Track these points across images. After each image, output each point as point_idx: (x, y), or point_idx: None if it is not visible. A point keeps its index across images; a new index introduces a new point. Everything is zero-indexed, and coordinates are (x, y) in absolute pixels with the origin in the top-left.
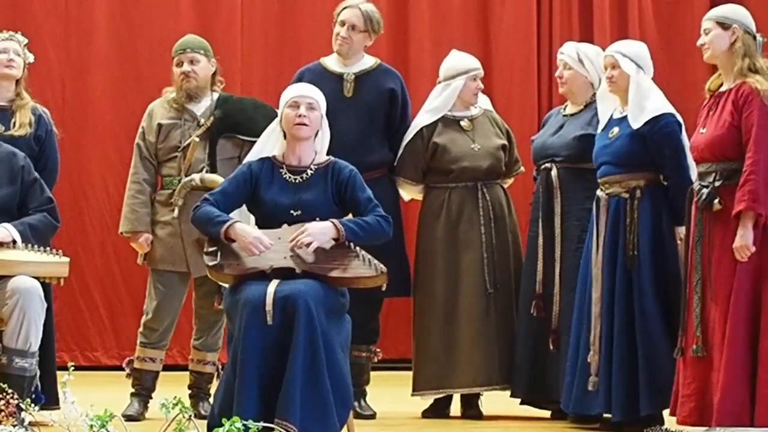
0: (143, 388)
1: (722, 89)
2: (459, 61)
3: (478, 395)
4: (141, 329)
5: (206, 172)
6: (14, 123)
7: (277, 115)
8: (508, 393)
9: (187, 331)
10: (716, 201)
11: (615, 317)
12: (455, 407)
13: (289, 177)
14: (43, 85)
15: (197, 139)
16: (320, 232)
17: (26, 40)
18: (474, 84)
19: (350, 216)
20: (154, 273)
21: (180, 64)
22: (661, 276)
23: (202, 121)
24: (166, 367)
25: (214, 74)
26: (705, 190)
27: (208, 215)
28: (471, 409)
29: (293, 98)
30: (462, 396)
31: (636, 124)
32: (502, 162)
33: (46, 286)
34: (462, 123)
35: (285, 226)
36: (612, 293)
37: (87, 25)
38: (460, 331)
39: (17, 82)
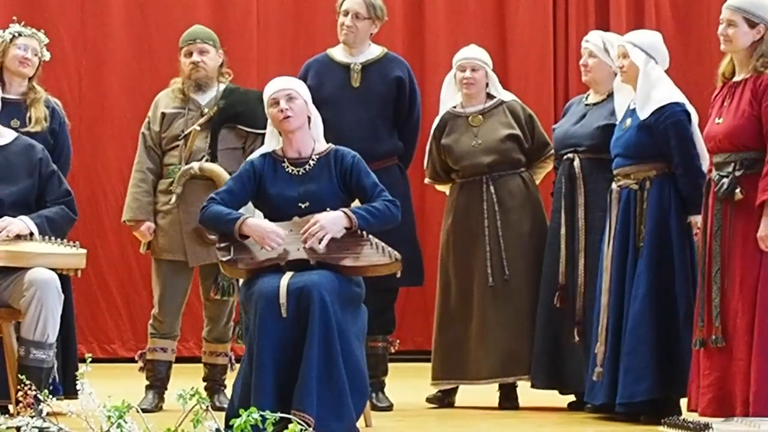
0: (157, 379)
1: (736, 79)
2: (459, 52)
3: (514, 386)
4: (150, 320)
5: (206, 161)
6: (29, 118)
7: None
8: (526, 384)
9: (195, 322)
10: (738, 191)
11: (624, 307)
12: (469, 397)
13: (292, 170)
14: (59, 77)
15: (198, 128)
16: (332, 222)
17: (47, 40)
18: (460, 74)
19: (356, 202)
20: (156, 263)
21: (189, 54)
22: (661, 265)
23: (206, 110)
24: (184, 359)
25: (220, 65)
26: (725, 180)
27: (218, 214)
28: (508, 401)
29: (271, 96)
30: (499, 387)
31: (643, 114)
32: (510, 153)
33: (65, 279)
34: (469, 119)
35: (295, 218)
36: (621, 284)
37: (103, 18)
38: (471, 325)
39: (31, 77)
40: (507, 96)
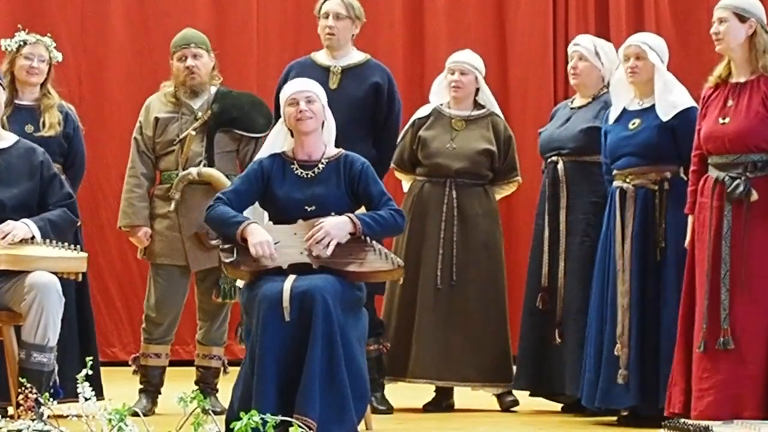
0: (150, 384)
1: (735, 80)
2: (452, 55)
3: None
4: (144, 325)
5: (204, 165)
6: (43, 123)
7: (272, 114)
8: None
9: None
10: (754, 192)
11: (645, 310)
12: (467, 400)
13: (301, 172)
14: (59, 81)
15: (194, 133)
16: (337, 227)
17: (54, 43)
18: (450, 77)
19: (362, 209)
20: (154, 267)
21: (183, 59)
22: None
23: (200, 114)
24: (185, 362)
25: (212, 69)
26: (739, 182)
27: (223, 216)
28: (509, 402)
29: (291, 96)
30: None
31: (665, 116)
32: (480, 166)
33: (83, 284)
34: (453, 121)
35: (300, 221)
36: (642, 286)
37: (103, 22)
38: (413, 322)
39: (43, 81)
40: (496, 109)
